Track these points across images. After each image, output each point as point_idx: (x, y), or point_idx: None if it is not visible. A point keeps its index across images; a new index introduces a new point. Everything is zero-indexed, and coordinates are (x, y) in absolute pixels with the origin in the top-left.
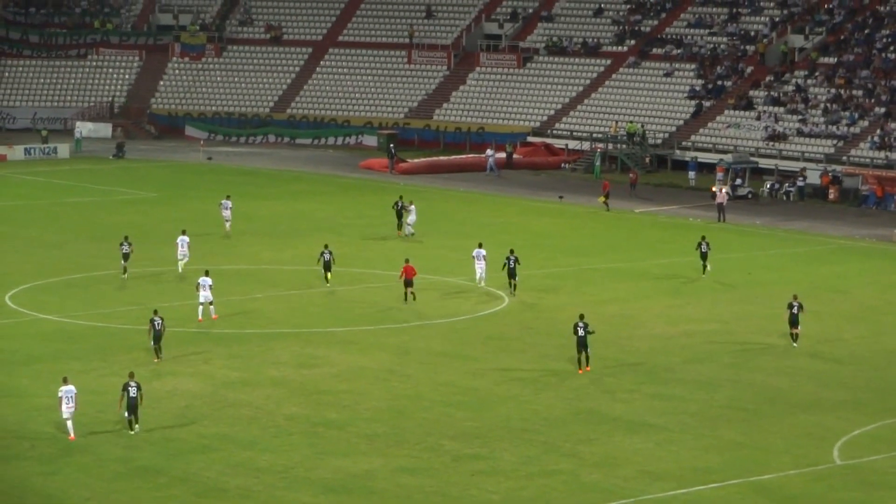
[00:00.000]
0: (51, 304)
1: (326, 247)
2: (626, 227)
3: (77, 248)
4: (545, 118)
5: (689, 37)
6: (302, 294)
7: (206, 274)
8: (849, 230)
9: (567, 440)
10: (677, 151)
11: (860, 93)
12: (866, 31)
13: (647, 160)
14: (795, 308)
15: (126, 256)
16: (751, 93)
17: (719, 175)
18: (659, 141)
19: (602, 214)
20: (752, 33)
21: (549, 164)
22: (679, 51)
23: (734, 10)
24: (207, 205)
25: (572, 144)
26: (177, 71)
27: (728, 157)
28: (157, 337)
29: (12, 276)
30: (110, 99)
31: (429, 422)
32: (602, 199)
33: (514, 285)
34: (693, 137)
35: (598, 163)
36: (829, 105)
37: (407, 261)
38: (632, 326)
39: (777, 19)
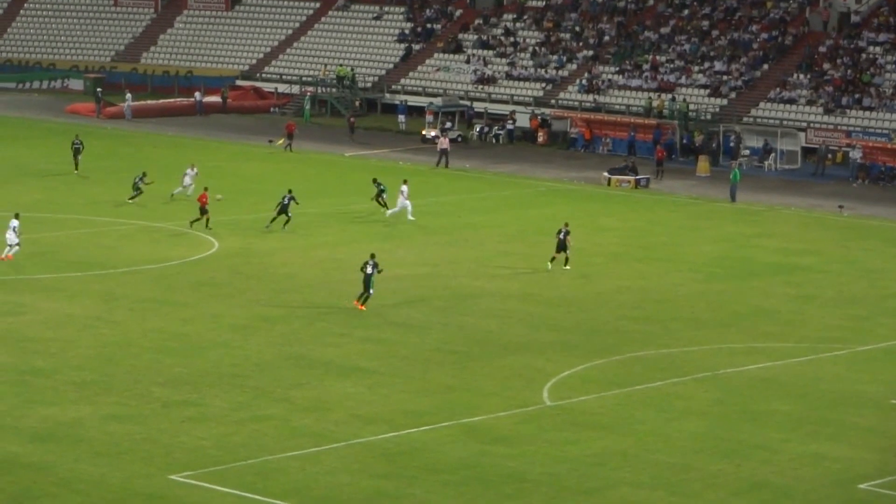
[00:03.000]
0: None
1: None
2: (336, 171)
3: None
4: (254, 61)
5: None
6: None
7: (16, 217)
8: (558, 173)
9: (278, 385)
10: (387, 95)
11: (568, 36)
12: None
13: (357, 104)
14: (563, 234)
15: None
16: (460, 36)
17: (429, 118)
18: (369, 84)
19: (310, 159)
20: None
21: (258, 107)
22: None
23: None
24: None
25: (282, 88)
26: None
27: (437, 101)
28: None
29: None
30: None
31: (138, 369)
32: (282, 140)
33: (284, 222)
34: (403, 81)
35: (307, 106)
36: (537, 48)
37: (206, 189)
38: (343, 270)
39: None
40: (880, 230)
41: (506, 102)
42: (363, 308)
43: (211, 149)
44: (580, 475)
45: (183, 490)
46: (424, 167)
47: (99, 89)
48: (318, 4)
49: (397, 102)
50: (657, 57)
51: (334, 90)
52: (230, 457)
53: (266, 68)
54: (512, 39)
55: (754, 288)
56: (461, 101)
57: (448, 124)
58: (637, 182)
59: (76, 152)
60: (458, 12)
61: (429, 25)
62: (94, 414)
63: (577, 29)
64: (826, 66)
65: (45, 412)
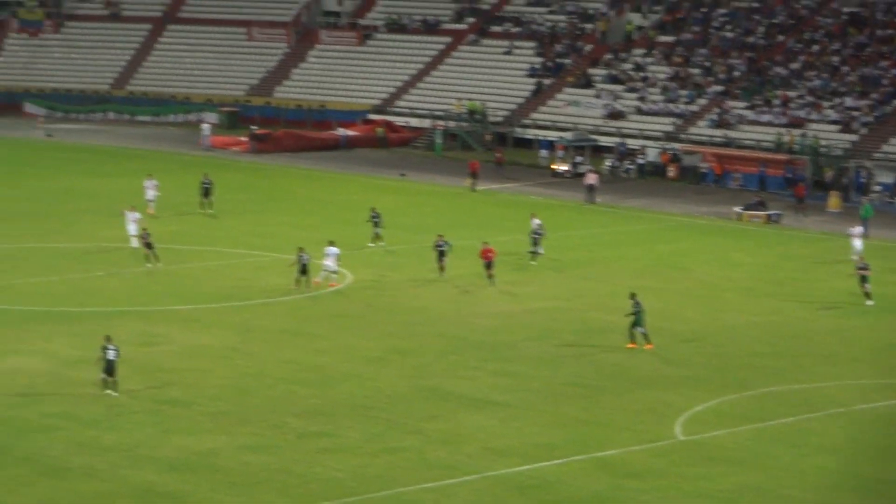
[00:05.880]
0: None
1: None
2: (467, 204)
3: None
4: (386, 96)
5: (527, 15)
6: (142, 272)
7: (332, 244)
8: (688, 207)
9: (411, 417)
10: (517, 129)
11: (698, 71)
12: (703, 10)
13: (488, 138)
14: (865, 269)
15: None
16: (590, 71)
17: (559, 153)
18: (499, 119)
19: (442, 192)
20: (591, 11)
21: (389, 141)
22: (518, 29)
23: None
24: (45, 182)
25: (413, 122)
26: (14, 47)
27: (567, 135)
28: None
29: None
30: None
31: (273, 399)
32: (469, 180)
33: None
34: (533, 115)
35: (439, 140)
36: (667, 83)
37: (485, 243)
38: (474, 304)
39: None
40: None
41: (636, 137)
42: (649, 347)
43: (343, 181)
44: None
45: None
46: (556, 201)
47: (254, 127)
48: (449, 39)
49: (528, 137)
50: (787, 92)
51: (465, 124)
52: (365, 488)
53: (397, 102)
54: (642, 74)
55: (887, 324)
56: (591, 136)
57: (578, 158)
58: (769, 217)
59: (206, 192)
60: (588, 47)
61: (559, 60)
62: (230, 444)
63: (707, 64)
64: None
65: (181, 442)
